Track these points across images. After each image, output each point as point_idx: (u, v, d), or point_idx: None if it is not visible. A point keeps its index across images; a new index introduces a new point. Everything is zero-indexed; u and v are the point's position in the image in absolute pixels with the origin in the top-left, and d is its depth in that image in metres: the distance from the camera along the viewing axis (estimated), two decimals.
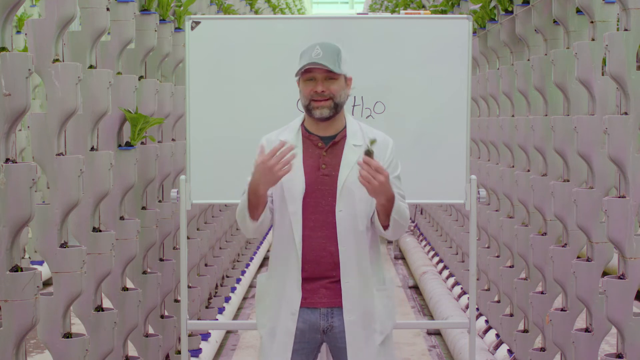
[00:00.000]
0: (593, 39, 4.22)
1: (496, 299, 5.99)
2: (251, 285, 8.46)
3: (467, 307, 6.69)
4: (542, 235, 4.95)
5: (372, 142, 3.04)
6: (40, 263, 7.87)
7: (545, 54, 5.02)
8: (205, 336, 5.89)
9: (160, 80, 5.14)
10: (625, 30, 3.65)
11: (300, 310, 3.22)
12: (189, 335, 5.03)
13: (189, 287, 5.11)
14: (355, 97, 4.38)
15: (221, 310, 6.61)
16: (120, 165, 4.28)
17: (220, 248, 6.98)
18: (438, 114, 4.44)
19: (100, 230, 3.99)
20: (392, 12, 11.85)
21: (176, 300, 5.27)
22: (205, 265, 6.32)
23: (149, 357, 4.70)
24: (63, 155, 3.58)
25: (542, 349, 4.84)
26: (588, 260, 4.16)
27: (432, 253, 9.39)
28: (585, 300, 4.13)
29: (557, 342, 4.47)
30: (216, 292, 6.74)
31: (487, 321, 6.11)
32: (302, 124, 3.30)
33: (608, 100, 4.09)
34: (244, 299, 7.98)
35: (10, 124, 3.00)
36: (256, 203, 3.16)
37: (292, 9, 15.65)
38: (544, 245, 4.83)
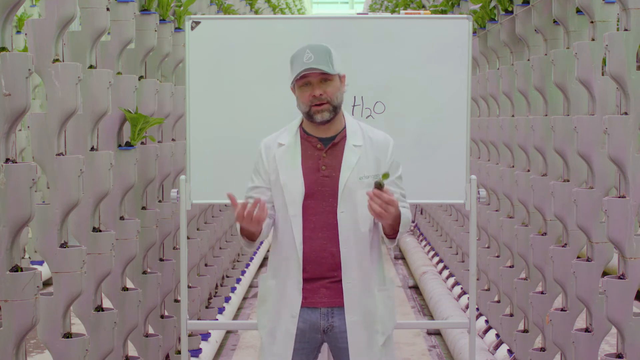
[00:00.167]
0: (593, 39, 4.22)
1: (496, 299, 5.99)
2: (251, 285, 8.46)
3: (467, 307, 6.69)
4: (542, 235, 4.95)
5: (385, 175, 3.02)
6: (40, 263, 7.87)
7: (545, 54, 5.02)
8: (205, 336, 5.89)
9: (160, 80, 5.14)
10: (625, 30, 3.65)
11: (300, 310, 3.22)
12: (189, 335, 5.03)
13: (189, 287, 5.12)
14: (355, 97, 4.38)
15: (221, 310, 6.61)
16: (120, 165, 4.28)
17: (220, 248, 6.98)
18: (438, 114, 4.44)
19: (100, 230, 3.99)
20: (392, 12, 11.85)
21: (176, 300, 5.27)
22: (205, 265, 6.31)
23: (149, 357, 4.70)
24: (63, 155, 3.58)
25: (542, 349, 4.84)
26: (588, 260, 4.16)
27: (432, 253, 9.39)
28: (585, 300, 4.14)
29: (557, 342, 4.47)
30: (216, 292, 6.74)
31: (487, 321, 6.11)
32: (300, 126, 3.29)
33: (608, 100, 4.09)
34: (244, 299, 7.98)
35: (10, 124, 3.00)
36: (251, 234, 3.18)
37: (292, 9, 15.65)
38: (544, 245, 4.83)
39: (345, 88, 3.27)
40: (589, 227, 4.10)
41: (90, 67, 3.99)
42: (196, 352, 5.55)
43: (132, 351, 4.54)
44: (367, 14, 5.69)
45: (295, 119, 3.33)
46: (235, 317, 7.24)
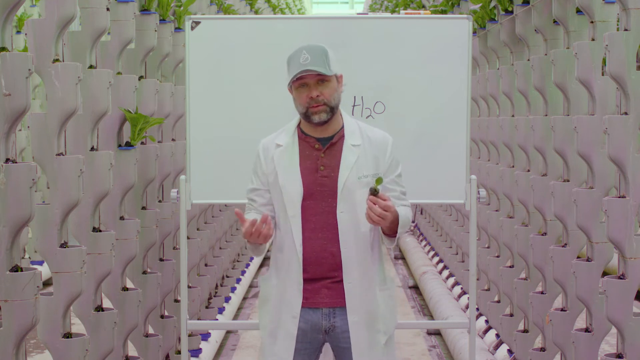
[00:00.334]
0: (593, 39, 4.22)
1: (496, 299, 5.99)
2: (251, 285, 8.46)
3: (467, 307, 6.69)
4: (542, 235, 4.95)
5: (378, 181, 3.03)
6: (40, 263, 7.87)
7: (545, 54, 5.02)
8: (205, 336, 5.89)
9: (160, 80, 5.14)
10: (625, 30, 3.65)
11: (301, 310, 3.22)
12: (189, 335, 5.03)
13: (189, 287, 5.11)
14: (355, 97, 4.38)
15: (221, 310, 6.61)
16: (120, 165, 4.28)
17: (220, 248, 6.98)
18: (438, 114, 4.44)
19: (100, 230, 3.99)
20: (392, 12, 11.85)
21: (176, 300, 5.27)
22: (205, 265, 6.31)
23: (149, 357, 4.70)
24: (63, 155, 3.58)
25: (542, 349, 4.84)
26: (588, 260, 4.16)
27: (432, 253, 9.39)
28: (585, 300, 4.13)
29: (557, 342, 4.47)
30: (216, 292, 6.74)
31: (487, 321, 6.11)
32: (298, 126, 3.29)
33: (608, 100, 4.09)
34: (244, 299, 7.98)
35: (10, 124, 3.00)
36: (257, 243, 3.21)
37: (292, 9, 15.65)
38: (544, 245, 4.83)
39: (343, 88, 3.27)
40: (589, 227, 4.10)
41: (90, 67, 3.99)
42: (196, 352, 5.55)
43: (132, 351, 4.54)
44: (367, 14, 5.69)
45: (294, 119, 3.34)
46: (235, 317, 7.24)
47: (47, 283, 6.71)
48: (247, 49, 4.42)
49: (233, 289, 7.31)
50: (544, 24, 5.07)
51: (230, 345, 6.50)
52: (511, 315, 5.53)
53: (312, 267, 3.20)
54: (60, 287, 3.53)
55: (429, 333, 6.85)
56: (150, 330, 4.88)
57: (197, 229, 5.96)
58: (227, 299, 6.94)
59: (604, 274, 4.34)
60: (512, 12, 5.74)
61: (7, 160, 3.00)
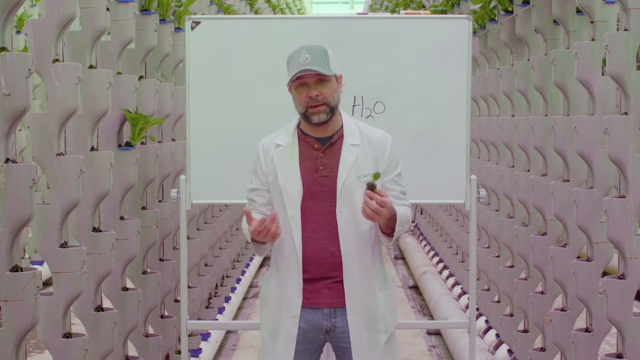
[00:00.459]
0: (593, 39, 4.22)
1: (496, 299, 5.99)
2: (251, 285, 8.46)
3: (467, 307, 6.69)
4: (542, 235, 4.95)
5: (376, 176, 3.04)
6: (40, 263, 7.87)
7: (545, 54, 5.02)
8: (205, 336, 5.89)
9: (160, 80, 5.14)
10: (625, 30, 3.65)
11: (302, 310, 3.22)
12: (189, 335, 5.03)
13: (189, 287, 5.11)
14: (355, 97, 4.38)
15: (221, 310, 6.61)
16: (120, 165, 4.28)
17: (220, 248, 6.98)
18: (438, 114, 4.44)
19: (100, 230, 3.99)
20: (392, 12, 11.85)
21: (176, 300, 5.27)
22: (205, 265, 6.31)
23: (149, 357, 4.70)
24: (63, 155, 3.58)
25: (542, 349, 4.84)
26: (588, 260, 4.16)
27: (432, 253, 9.39)
28: (585, 300, 4.13)
29: (557, 342, 4.47)
30: (216, 292, 6.74)
31: (487, 321, 6.11)
32: (298, 126, 3.30)
33: (608, 100, 4.09)
34: (244, 299, 7.98)
35: (10, 124, 3.00)
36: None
37: (292, 9, 15.65)
38: (544, 245, 4.83)
39: (343, 88, 3.27)
40: (589, 227, 4.10)
41: (90, 67, 3.99)
42: (196, 352, 5.55)
43: (132, 351, 4.54)
44: (367, 14, 5.69)
45: (293, 119, 3.34)
46: (235, 317, 7.24)
47: (47, 283, 6.71)
48: (247, 49, 4.42)
49: (233, 289, 7.31)
50: (544, 24, 5.07)
51: (230, 345, 6.50)
52: (511, 315, 5.53)
53: (312, 267, 3.20)
54: (60, 287, 3.53)
55: (429, 333, 6.85)
56: (150, 330, 4.88)
57: (197, 229, 5.96)
58: (227, 299, 6.94)
59: (604, 274, 4.34)
60: (512, 12, 5.74)
61: (7, 160, 3.00)
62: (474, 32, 6.69)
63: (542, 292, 4.92)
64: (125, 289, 4.37)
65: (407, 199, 3.31)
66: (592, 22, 4.23)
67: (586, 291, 4.12)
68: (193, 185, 4.45)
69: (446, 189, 4.46)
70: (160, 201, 5.06)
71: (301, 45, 3.19)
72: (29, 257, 8.06)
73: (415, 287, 8.60)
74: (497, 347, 5.69)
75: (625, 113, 3.66)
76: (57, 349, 3.56)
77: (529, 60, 5.29)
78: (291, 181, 3.20)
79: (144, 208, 4.77)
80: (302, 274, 3.21)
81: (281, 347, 3.24)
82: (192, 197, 4.46)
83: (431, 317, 7.31)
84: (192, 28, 4.42)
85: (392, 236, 3.19)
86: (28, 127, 3.53)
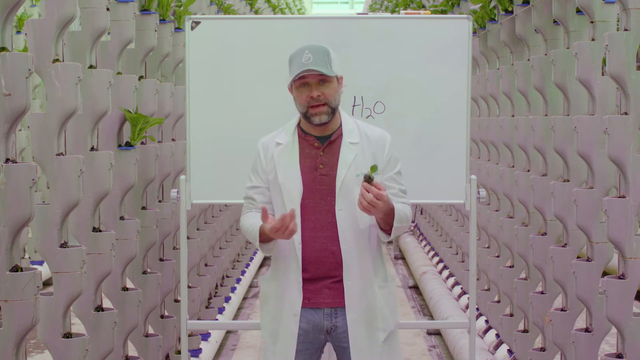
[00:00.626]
0: (593, 39, 4.22)
1: (496, 299, 5.98)
2: (251, 285, 8.46)
3: (467, 307, 6.69)
4: (542, 235, 4.95)
5: (373, 168, 3.04)
6: (40, 263, 7.87)
7: (545, 54, 5.02)
8: (205, 336, 5.89)
9: (160, 80, 5.14)
10: (625, 30, 3.65)
11: (303, 310, 3.22)
12: (189, 335, 5.03)
13: (189, 287, 5.11)
14: (355, 97, 4.38)
15: (221, 310, 6.61)
16: (120, 165, 4.28)
17: (220, 248, 6.98)
18: (438, 114, 4.44)
19: (100, 230, 3.99)
20: (392, 12, 11.85)
21: (176, 300, 5.27)
22: (205, 265, 6.31)
23: (149, 357, 4.70)
24: (63, 155, 3.58)
25: (542, 349, 4.84)
26: (588, 260, 4.16)
27: (432, 253, 9.39)
28: (585, 300, 4.13)
29: (557, 342, 4.47)
30: (216, 292, 6.74)
31: (487, 321, 6.11)
32: (298, 125, 3.30)
33: (608, 100, 4.09)
34: (244, 299, 7.98)
35: (10, 124, 3.00)
36: (268, 239, 3.19)
37: (292, 9, 15.65)
38: (544, 245, 4.83)
39: (343, 89, 3.28)
40: (589, 227, 4.10)
41: (90, 67, 3.99)
42: (196, 352, 5.55)
43: (132, 351, 4.54)
44: (367, 14, 5.69)
45: (293, 118, 3.34)
46: (235, 317, 7.24)
47: (47, 283, 6.71)
48: (247, 49, 4.42)
49: (233, 289, 7.31)
50: (544, 24, 5.07)
51: (230, 345, 6.50)
52: (511, 315, 5.53)
53: (312, 266, 3.21)
54: (60, 287, 3.53)
55: (429, 333, 6.85)
56: (150, 330, 4.88)
57: (197, 229, 5.96)
58: (227, 299, 6.94)
59: (604, 274, 4.34)
60: (512, 12, 5.74)
61: (7, 160, 3.00)
62: (474, 32, 6.69)
63: (542, 292, 4.91)
64: (125, 289, 4.37)
65: (407, 197, 3.30)
66: (592, 22, 4.23)
67: (586, 291, 4.12)
68: (193, 185, 4.45)
69: (446, 189, 4.46)
70: (160, 201, 5.06)
71: (304, 45, 3.19)
72: (29, 257, 8.06)
73: (415, 287, 8.60)
74: (497, 347, 5.69)
75: (625, 113, 3.66)
76: (57, 349, 3.56)
77: (529, 60, 5.29)
78: (291, 179, 3.21)
79: (144, 208, 4.77)
80: (302, 273, 3.21)
81: (282, 347, 3.24)
82: (192, 197, 4.46)
83: (431, 317, 7.31)
84: (192, 28, 4.42)
85: (390, 232, 3.18)
86: (28, 127, 3.53)
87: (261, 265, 9.40)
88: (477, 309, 6.34)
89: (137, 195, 4.68)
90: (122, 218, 4.35)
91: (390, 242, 11.23)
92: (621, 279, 3.68)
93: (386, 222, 3.16)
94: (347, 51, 4.27)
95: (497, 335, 5.80)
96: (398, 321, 3.38)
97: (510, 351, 5.41)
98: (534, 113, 5.34)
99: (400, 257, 10.51)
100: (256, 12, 9.61)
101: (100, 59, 4.29)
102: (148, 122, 4.43)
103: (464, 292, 7.20)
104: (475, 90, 6.80)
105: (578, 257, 4.42)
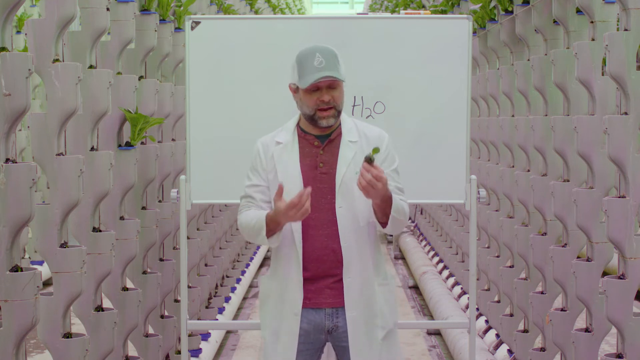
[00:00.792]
0: (593, 39, 4.22)
1: (496, 299, 5.99)
2: (251, 285, 8.46)
3: (467, 307, 6.69)
4: (542, 235, 4.95)
5: (375, 150, 3.04)
6: (40, 263, 7.87)
7: (545, 54, 5.02)
8: (205, 336, 5.89)
9: (160, 80, 5.14)
10: (625, 30, 3.65)
11: (304, 310, 3.22)
12: (189, 335, 5.03)
13: (189, 287, 5.11)
14: (355, 97, 4.38)
15: (221, 310, 6.61)
16: (120, 165, 4.28)
17: (220, 248, 6.98)
18: (438, 114, 4.44)
19: (100, 230, 3.99)
20: (392, 12, 11.85)
21: (176, 300, 5.27)
22: (205, 265, 6.31)
23: (149, 357, 4.70)
24: (63, 155, 3.58)
25: (542, 349, 4.84)
26: (588, 260, 4.16)
27: (432, 253, 9.39)
28: (585, 300, 4.13)
29: (557, 342, 4.47)
30: (216, 292, 6.74)
31: (487, 321, 6.11)
32: (298, 124, 3.30)
33: (608, 100, 4.09)
34: (244, 299, 7.98)
35: (10, 124, 3.00)
36: (275, 228, 3.17)
37: (292, 9, 15.65)
38: (544, 245, 4.83)
39: (344, 90, 3.29)
40: (589, 227, 4.10)
41: (90, 67, 3.99)
42: (196, 352, 5.55)
43: (132, 351, 4.54)
44: (367, 14, 5.70)
45: (292, 117, 3.34)
46: (235, 317, 7.24)
47: (47, 283, 6.71)
48: (247, 49, 4.42)
49: (233, 289, 7.31)
50: (544, 24, 5.07)
51: (230, 345, 6.50)
52: (511, 315, 5.53)
53: (313, 264, 3.21)
54: (60, 287, 3.53)
55: (429, 333, 6.85)
56: (150, 330, 4.88)
57: (197, 229, 5.96)
58: (227, 299, 6.94)
59: (604, 274, 4.34)
60: (512, 12, 5.74)
61: (7, 160, 3.00)
62: (474, 32, 6.69)
63: (542, 292, 4.92)
64: (125, 289, 4.37)
65: (404, 196, 3.29)
66: (592, 22, 4.23)
67: (586, 291, 4.12)
68: (193, 185, 4.45)
69: (446, 189, 4.46)
70: (160, 201, 5.06)
71: (312, 47, 3.18)
72: (29, 257, 8.06)
73: (415, 287, 8.60)
74: (497, 347, 5.69)
75: (625, 113, 3.66)
76: (57, 349, 3.56)
77: (529, 60, 5.29)
78: (291, 178, 3.21)
79: (144, 208, 4.77)
80: (303, 272, 3.21)
81: (283, 346, 3.24)
82: (192, 197, 4.47)
83: (431, 317, 7.31)
84: (192, 28, 4.42)
85: (387, 223, 3.18)
86: (28, 127, 3.53)
87: (261, 265, 9.41)
88: (477, 309, 6.34)
89: (137, 195, 4.68)
90: (122, 218, 4.35)
91: (390, 242, 11.23)
92: (621, 279, 3.68)
93: (383, 211, 3.14)
94: (347, 51, 4.25)
95: (497, 335, 5.80)
96: (397, 320, 3.38)
97: (510, 351, 5.41)
98: (534, 113, 5.34)
99: (400, 257, 10.51)
100: (256, 12, 9.61)
101: (100, 59, 4.29)
102: (148, 122, 4.43)
103: (464, 292, 7.20)
104: (475, 90, 6.80)
105: (578, 257, 4.42)
